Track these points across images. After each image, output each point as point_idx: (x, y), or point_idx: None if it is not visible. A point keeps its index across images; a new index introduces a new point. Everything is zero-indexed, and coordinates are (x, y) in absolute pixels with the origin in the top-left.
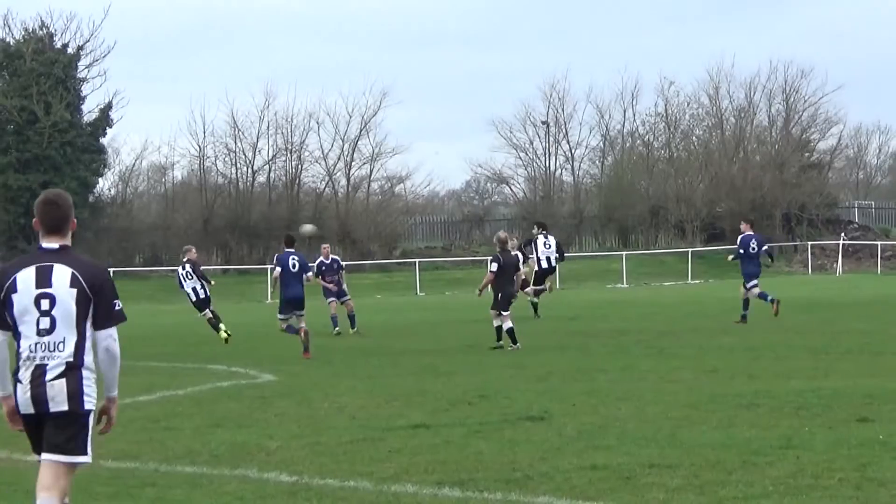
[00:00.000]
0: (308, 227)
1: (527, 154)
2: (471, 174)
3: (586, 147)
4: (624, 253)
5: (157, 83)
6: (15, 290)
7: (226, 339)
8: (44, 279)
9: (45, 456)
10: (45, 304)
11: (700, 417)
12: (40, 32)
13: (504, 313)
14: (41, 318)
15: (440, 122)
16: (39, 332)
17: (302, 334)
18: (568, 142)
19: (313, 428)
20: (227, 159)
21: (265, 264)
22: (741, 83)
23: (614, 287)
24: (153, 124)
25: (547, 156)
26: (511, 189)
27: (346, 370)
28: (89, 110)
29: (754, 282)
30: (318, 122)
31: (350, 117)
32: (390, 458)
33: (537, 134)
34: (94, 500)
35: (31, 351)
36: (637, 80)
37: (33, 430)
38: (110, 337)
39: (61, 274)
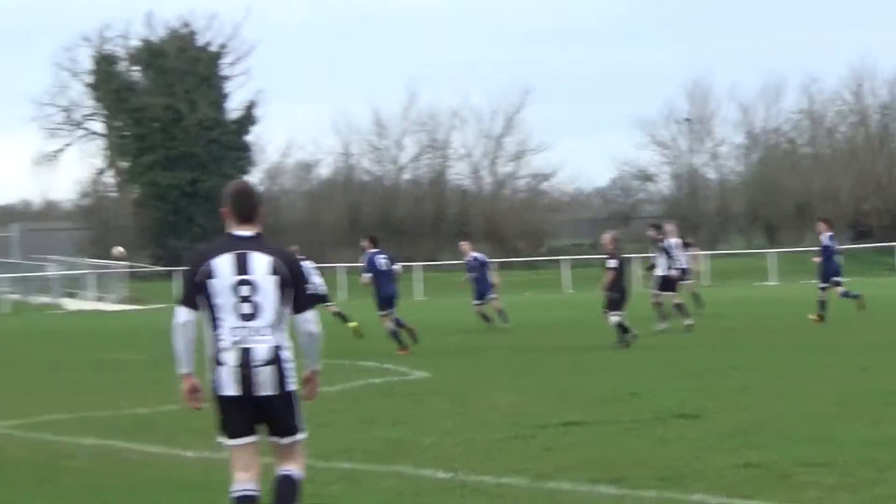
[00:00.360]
0: (117, 250)
1: (671, 151)
2: (616, 171)
3: (730, 144)
4: (772, 251)
5: (301, 81)
6: (213, 276)
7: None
8: (242, 266)
9: (271, 439)
10: (245, 290)
11: (851, 415)
12: (182, 31)
13: (618, 312)
14: (243, 304)
15: (583, 119)
16: (242, 317)
17: (400, 330)
18: (712, 139)
19: (466, 425)
20: (371, 157)
21: (413, 262)
22: (885, 80)
23: (762, 285)
24: (298, 122)
25: (691, 153)
26: (655, 186)
27: (496, 367)
28: (234, 108)
29: (833, 281)
30: (461, 120)
31: (493, 115)
32: (544, 455)
33: (680, 131)
34: None
35: (234, 336)
36: (780, 76)
37: (234, 412)
38: (310, 320)
39: (260, 261)
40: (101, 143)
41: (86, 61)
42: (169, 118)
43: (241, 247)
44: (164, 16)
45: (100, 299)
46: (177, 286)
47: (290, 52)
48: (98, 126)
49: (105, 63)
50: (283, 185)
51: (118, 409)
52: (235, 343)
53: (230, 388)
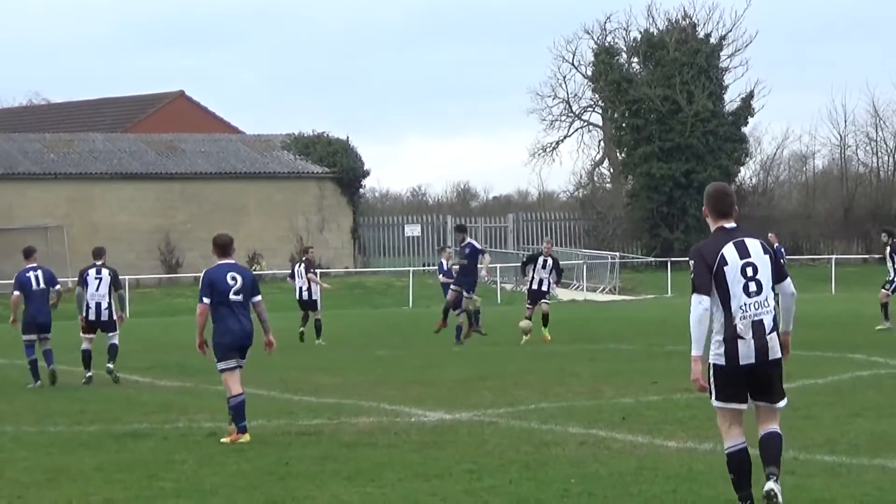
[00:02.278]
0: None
1: None
2: None
3: None
4: None
5: (799, 72)
6: (726, 263)
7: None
8: (745, 251)
9: (759, 404)
10: (749, 270)
11: None
12: (683, 23)
13: None
14: (749, 283)
15: None
16: (749, 294)
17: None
18: None
19: None
20: (867, 148)
21: None
22: None
23: None
24: (795, 113)
25: None
26: None
27: None
28: (731, 99)
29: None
30: None
31: None
32: None
33: None
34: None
35: (743, 310)
36: None
37: (736, 380)
38: (791, 285)
39: (754, 245)
40: (598, 134)
41: (586, 53)
42: (666, 109)
43: (736, 236)
44: (665, 7)
45: (591, 289)
46: (670, 277)
47: (790, 42)
48: (596, 118)
49: (605, 55)
50: (777, 177)
51: (603, 398)
52: (748, 317)
53: (747, 357)
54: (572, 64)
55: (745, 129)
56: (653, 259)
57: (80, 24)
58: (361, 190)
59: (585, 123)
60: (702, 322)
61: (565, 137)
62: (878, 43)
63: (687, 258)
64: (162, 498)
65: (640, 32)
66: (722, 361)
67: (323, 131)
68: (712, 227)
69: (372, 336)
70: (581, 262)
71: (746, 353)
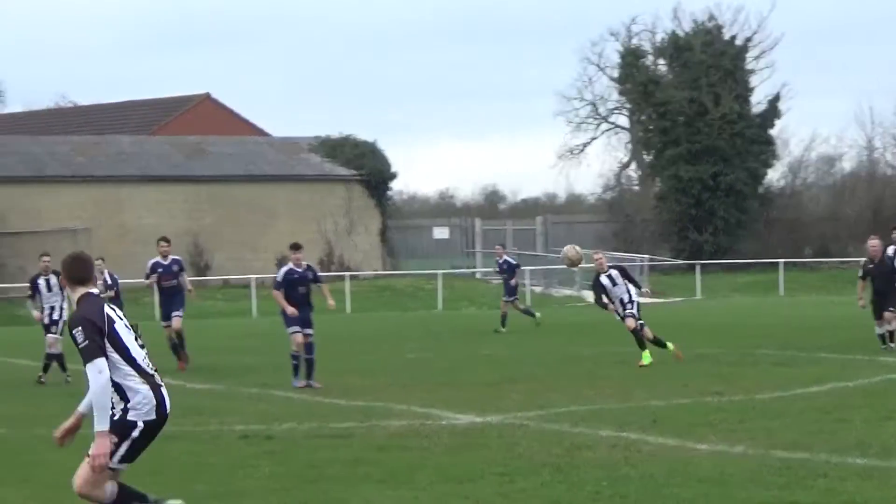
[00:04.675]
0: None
1: None
2: None
3: None
4: None
5: (825, 73)
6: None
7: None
8: None
9: None
10: None
11: None
12: (709, 25)
13: None
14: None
15: None
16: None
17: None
18: None
19: None
20: (895, 150)
21: None
22: None
23: None
24: (821, 115)
25: None
26: None
27: None
28: (757, 102)
29: None
30: None
31: None
32: None
33: None
34: (766, 489)
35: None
36: None
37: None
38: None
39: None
40: (625, 137)
41: (612, 55)
42: (693, 112)
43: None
44: (691, 9)
45: None
46: (699, 280)
47: (813, 45)
48: (623, 120)
49: (631, 57)
50: (805, 179)
51: (633, 401)
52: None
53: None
54: (598, 66)
55: (773, 132)
56: (682, 262)
57: (106, 27)
58: (389, 192)
59: (612, 126)
60: (105, 391)
61: (592, 140)
62: None
63: (715, 261)
64: (195, 500)
65: (666, 34)
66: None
67: (350, 134)
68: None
69: (401, 338)
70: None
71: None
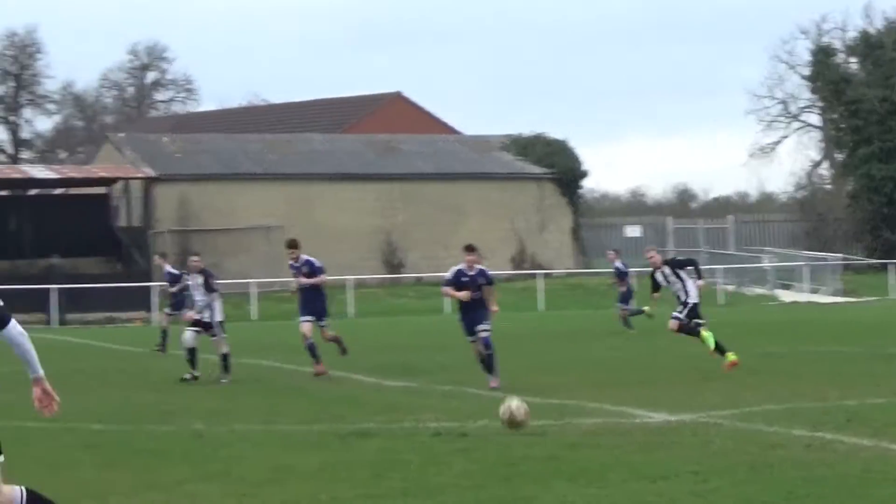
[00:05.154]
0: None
1: None
2: None
3: None
4: None
5: None
6: None
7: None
8: None
9: None
10: None
11: None
12: None
13: None
14: None
15: None
16: None
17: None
18: None
19: None
20: None
21: None
22: None
23: None
24: None
25: None
26: None
27: None
28: None
29: None
30: None
31: None
32: None
33: None
34: None
35: None
36: None
37: None
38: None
39: None
40: (816, 135)
41: (803, 53)
42: (885, 110)
43: None
44: (883, 7)
45: (814, 291)
46: (892, 279)
47: None
48: (814, 118)
49: (822, 55)
50: None
51: (828, 400)
52: None
53: None
54: (789, 64)
55: None
56: (875, 261)
57: (297, 27)
58: (580, 190)
59: (804, 124)
60: None
61: (783, 138)
62: None
63: None
64: (390, 497)
65: (857, 32)
66: None
67: (541, 132)
68: None
69: (593, 336)
70: (803, 264)
71: None
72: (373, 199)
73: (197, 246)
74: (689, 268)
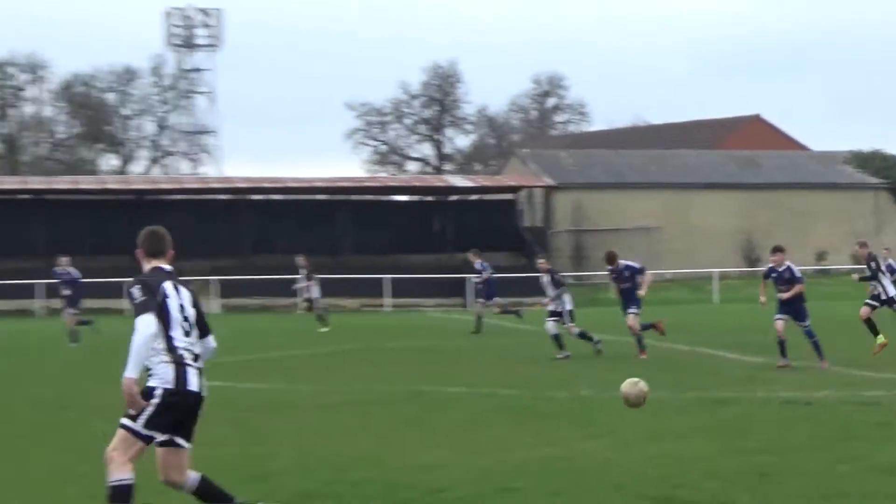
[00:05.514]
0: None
1: None
2: None
3: None
4: None
5: None
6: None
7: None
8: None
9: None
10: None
11: None
12: None
13: None
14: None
15: None
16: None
17: None
18: None
19: None
20: None
21: None
22: None
23: None
24: None
25: None
26: None
27: None
28: None
29: None
30: None
31: None
32: None
33: None
34: None
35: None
36: None
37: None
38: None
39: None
40: None
41: None
42: None
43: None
44: None
45: None
46: None
47: None
48: None
49: None
50: None
51: None
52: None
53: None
54: None
55: None
56: None
57: (678, 55)
58: None
59: None
60: (147, 344)
61: None
62: None
63: None
64: (747, 453)
65: None
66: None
67: (879, 148)
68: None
69: None
70: None
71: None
72: (735, 206)
73: (588, 243)
74: None
